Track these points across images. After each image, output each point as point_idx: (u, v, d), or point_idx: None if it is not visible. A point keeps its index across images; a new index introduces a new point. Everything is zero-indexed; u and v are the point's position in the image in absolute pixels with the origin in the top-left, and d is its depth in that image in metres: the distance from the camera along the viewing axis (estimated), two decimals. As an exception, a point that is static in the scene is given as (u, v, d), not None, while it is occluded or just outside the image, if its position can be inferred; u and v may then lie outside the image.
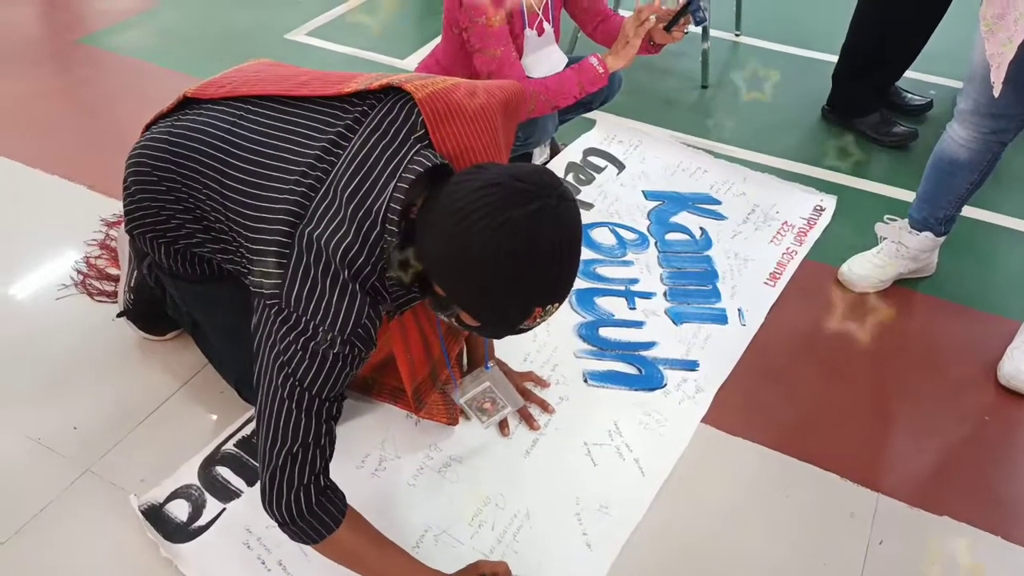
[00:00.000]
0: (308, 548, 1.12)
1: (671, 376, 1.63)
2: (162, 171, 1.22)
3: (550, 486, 1.42)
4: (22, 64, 2.63)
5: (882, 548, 1.35)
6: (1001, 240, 2.04)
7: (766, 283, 1.87)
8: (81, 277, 1.78)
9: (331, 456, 1.09)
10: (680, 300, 1.81)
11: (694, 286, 1.85)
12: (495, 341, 1.54)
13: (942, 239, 1.82)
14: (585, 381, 1.61)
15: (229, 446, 1.44)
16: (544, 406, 1.54)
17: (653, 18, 1.74)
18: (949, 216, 1.77)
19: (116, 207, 1.90)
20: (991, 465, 1.50)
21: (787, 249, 1.97)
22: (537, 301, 0.99)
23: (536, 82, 1.75)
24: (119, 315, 1.62)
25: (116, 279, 1.75)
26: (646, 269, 1.89)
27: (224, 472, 1.40)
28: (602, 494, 1.40)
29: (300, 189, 1.09)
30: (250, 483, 1.38)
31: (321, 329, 1.02)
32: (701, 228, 2.02)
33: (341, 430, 1.40)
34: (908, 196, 2.01)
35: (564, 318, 1.73)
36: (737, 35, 2.95)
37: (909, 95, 2.49)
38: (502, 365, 1.56)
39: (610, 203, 2.09)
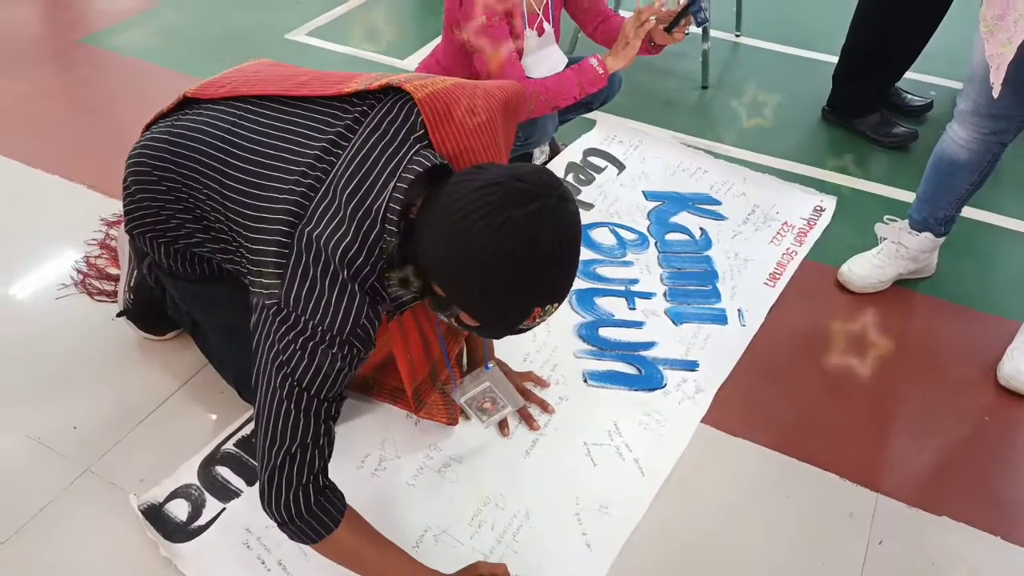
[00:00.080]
0: (307, 548, 1.12)
1: (671, 376, 1.63)
2: (162, 171, 1.22)
3: (550, 486, 1.42)
4: (23, 64, 2.63)
5: (881, 548, 1.35)
6: (1001, 241, 2.05)
7: (766, 283, 1.87)
8: (81, 277, 1.78)
9: (330, 456, 1.09)
10: (680, 300, 1.81)
11: (694, 286, 1.85)
12: (495, 341, 1.54)
13: (942, 240, 1.82)
14: (585, 381, 1.61)
15: (229, 446, 1.44)
16: (544, 406, 1.54)
17: (653, 19, 1.74)
18: (949, 217, 1.77)
19: (116, 207, 1.90)
20: (991, 465, 1.50)
21: (787, 249, 1.97)
22: (537, 301, 0.99)
23: (536, 82, 1.75)
24: (119, 315, 1.62)
25: (116, 279, 1.75)
26: (646, 269, 1.89)
27: (224, 472, 1.40)
28: (602, 494, 1.40)
29: (300, 189, 1.09)
30: (250, 483, 1.38)
31: (320, 329, 1.02)
32: (701, 228, 2.02)
33: (341, 430, 1.40)
34: (908, 197, 2.01)
35: (564, 318, 1.73)
36: (737, 36, 2.95)
37: (909, 96, 2.49)
38: (502, 365, 1.56)
39: (610, 203, 2.09)
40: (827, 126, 2.47)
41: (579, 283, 1.82)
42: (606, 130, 2.34)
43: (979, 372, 1.67)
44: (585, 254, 1.89)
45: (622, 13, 1.91)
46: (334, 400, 1.07)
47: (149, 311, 1.60)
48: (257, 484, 1.08)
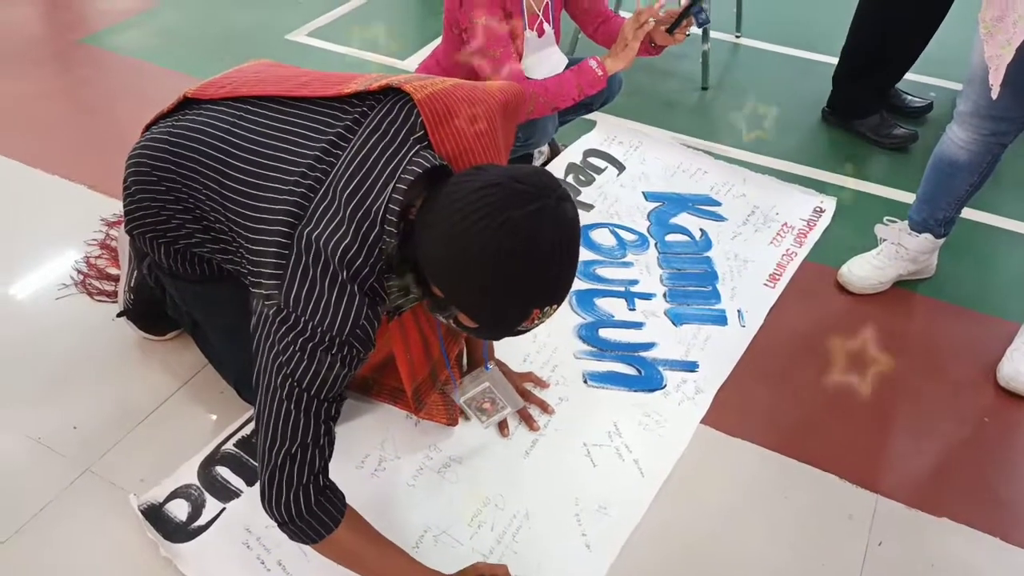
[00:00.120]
0: (307, 548, 1.13)
1: (671, 377, 1.63)
2: (162, 171, 1.22)
3: (549, 487, 1.42)
4: (23, 64, 2.64)
5: (881, 549, 1.35)
6: (1001, 242, 2.05)
7: (766, 284, 1.87)
8: (81, 277, 1.78)
9: (330, 456, 1.09)
10: (680, 301, 1.81)
11: (694, 287, 1.85)
12: (494, 342, 1.54)
13: (942, 241, 1.82)
14: (585, 382, 1.61)
15: (229, 446, 1.44)
16: (544, 407, 1.54)
17: (652, 21, 1.74)
18: (949, 218, 1.78)
19: (116, 207, 1.90)
20: (990, 467, 1.50)
21: (787, 250, 1.97)
22: (536, 302, 0.99)
23: (535, 83, 1.75)
24: (119, 315, 1.62)
25: (116, 279, 1.75)
26: (646, 270, 1.89)
27: (224, 472, 1.40)
28: (601, 495, 1.40)
29: (299, 190, 1.09)
30: (250, 483, 1.38)
31: (319, 330, 1.02)
32: (701, 229, 2.02)
33: (341, 430, 1.40)
34: (908, 198, 2.01)
35: (564, 319, 1.74)
36: (738, 37, 2.95)
37: (909, 97, 2.49)
38: (502, 366, 1.56)
39: (610, 204, 2.09)
40: (827, 127, 2.47)
41: (579, 284, 1.82)
42: (606, 131, 2.35)
43: (979, 373, 1.67)
44: (585, 255, 1.89)
45: (622, 14, 1.91)
46: (334, 400, 1.07)
47: (149, 311, 1.60)
48: (257, 484, 1.08)
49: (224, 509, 1.34)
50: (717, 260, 1.93)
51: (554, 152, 2.26)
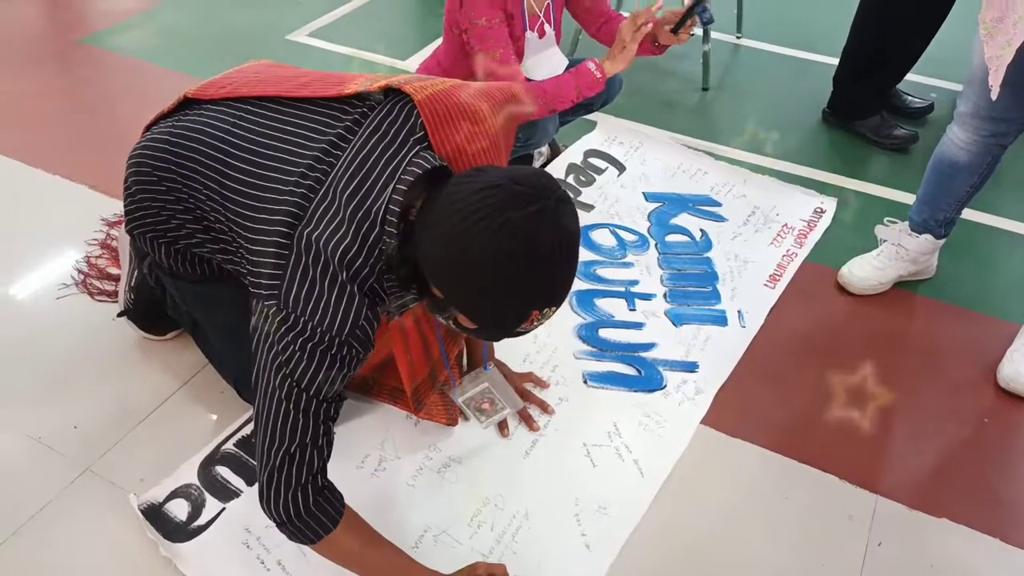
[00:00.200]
0: (307, 548, 1.13)
1: (671, 377, 1.63)
2: (162, 171, 1.23)
3: (549, 487, 1.42)
4: (24, 64, 2.64)
5: (881, 550, 1.35)
6: (1001, 243, 2.05)
7: (766, 285, 1.87)
8: (82, 276, 1.78)
9: (329, 456, 1.09)
10: (680, 302, 1.81)
11: (694, 288, 1.85)
12: (494, 343, 1.54)
13: (942, 241, 1.82)
14: (585, 382, 1.61)
15: (229, 446, 1.44)
16: (544, 407, 1.54)
17: (650, 25, 1.74)
18: (949, 219, 1.78)
19: (117, 207, 1.90)
20: (990, 467, 1.50)
21: (787, 251, 1.97)
22: (535, 304, 0.99)
23: (534, 85, 1.75)
24: (119, 315, 1.63)
25: (117, 279, 1.75)
26: (646, 270, 1.89)
27: (224, 472, 1.40)
28: (601, 495, 1.40)
29: (299, 190, 1.09)
30: (249, 483, 1.38)
31: (319, 330, 1.02)
32: (701, 230, 2.02)
33: (340, 430, 1.41)
34: (908, 199, 2.01)
35: (564, 319, 1.74)
36: (738, 37, 2.95)
37: (910, 98, 2.49)
38: (502, 366, 1.56)
39: (610, 204, 2.09)
40: (827, 128, 2.47)
41: (579, 284, 1.83)
42: (607, 131, 2.35)
43: (979, 374, 1.67)
44: (585, 255, 1.90)
45: (624, 13, 1.91)
46: (333, 401, 1.08)
47: (149, 311, 1.60)
48: (257, 484, 1.08)
49: (224, 509, 1.35)
50: (717, 261, 1.93)
51: (555, 152, 2.26)
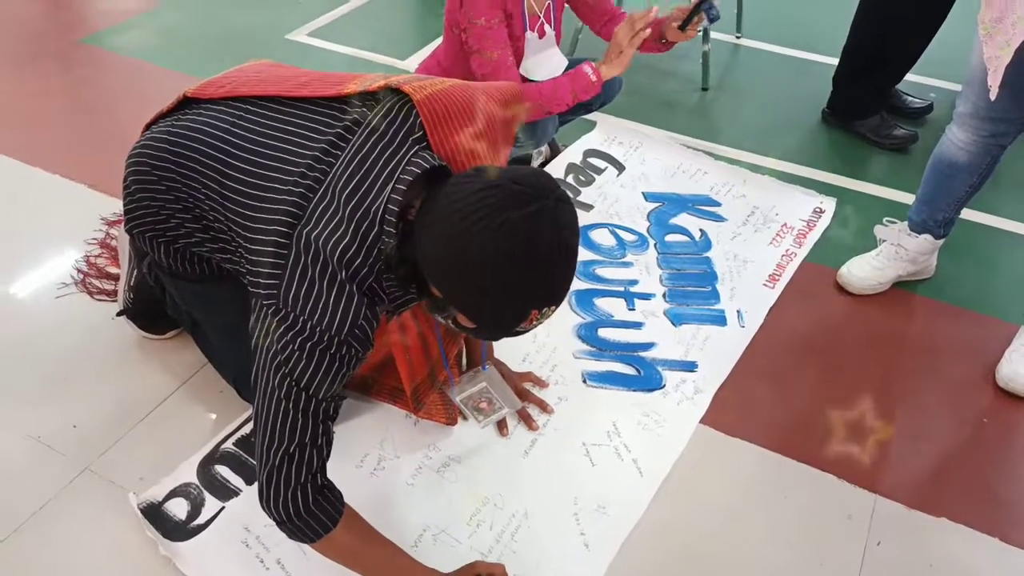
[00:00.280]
0: (306, 547, 1.13)
1: (670, 377, 1.63)
2: (162, 170, 1.23)
3: (548, 486, 1.42)
4: (24, 63, 2.64)
5: (880, 549, 1.35)
6: (1000, 243, 2.05)
7: (765, 285, 1.87)
8: (81, 276, 1.78)
9: (328, 455, 1.09)
10: (679, 301, 1.82)
11: (693, 287, 1.85)
12: (493, 342, 1.54)
13: (941, 241, 1.82)
14: (584, 382, 1.61)
15: (228, 445, 1.44)
16: (543, 406, 1.55)
17: (648, 31, 1.73)
18: (948, 219, 1.78)
19: (116, 206, 1.90)
20: (989, 467, 1.50)
21: (786, 251, 1.97)
22: (534, 303, 0.99)
23: (529, 87, 1.75)
24: (119, 314, 1.63)
25: (116, 278, 1.76)
26: (645, 270, 1.89)
27: (223, 471, 1.40)
28: (600, 494, 1.40)
29: (299, 190, 1.09)
30: (249, 482, 1.38)
31: (318, 329, 1.02)
32: (701, 230, 2.02)
33: (340, 429, 1.41)
34: (907, 199, 2.01)
35: (563, 319, 1.74)
36: (738, 37, 2.95)
37: (909, 98, 2.49)
38: (501, 365, 1.56)
39: (610, 204, 2.09)
40: (827, 128, 2.47)
41: (578, 284, 1.83)
42: (606, 131, 2.35)
43: (978, 374, 1.67)
44: (585, 255, 1.90)
45: (625, 11, 1.90)
46: (332, 400, 1.08)
47: (149, 310, 1.60)
48: (256, 483, 1.08)
49: (223, 508, 1.35)
50: (717, 260, 1.93)
51: (554, 152, 2.26)
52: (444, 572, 1.17)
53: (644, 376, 1.63)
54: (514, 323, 1.02)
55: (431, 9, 3.07)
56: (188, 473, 1.39)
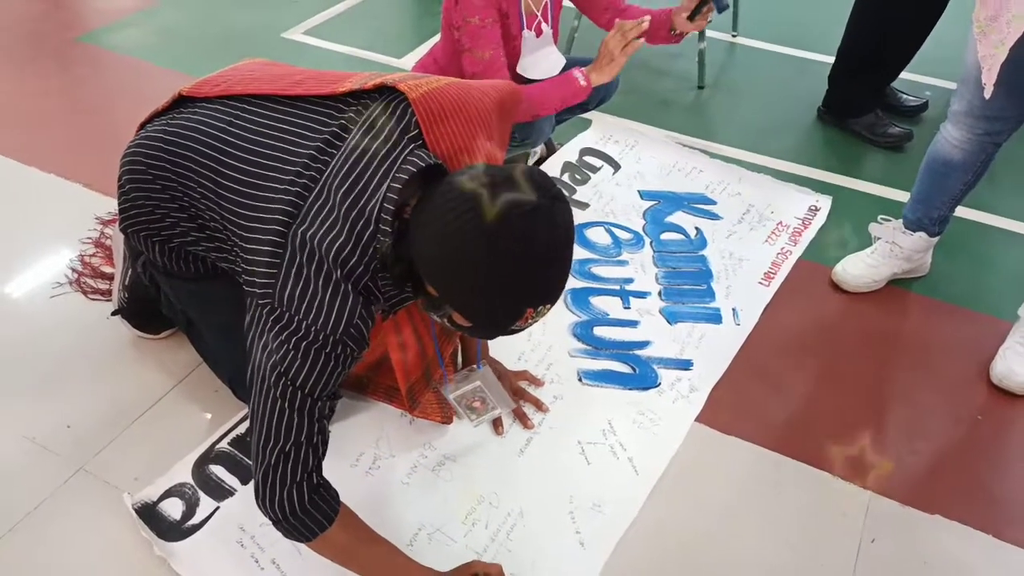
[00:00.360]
0: (302, 546, 1.13)
1: (665, 375, 1.63)
2: (157, 169, 1.22)
3: (544, 485, 1.42)
4: (20, 61, 2.63)
5: (874, 546, 1.35)
6: (995, 241, 2.05)
7: (760, 283, 1.87)
8: (76, 275, 1.78)
9: (324, 454, 1.09)
10: (675, 299, 1.82)
11: (689, 286, 1.86)
12: (489, 341, 1.54)
13: (936, 239, 1.83)
14: (579, 380, 1.61)
15: (223, 444, 1.44)
16: (538, 405, 1.55)
17: (642, 41, 1.73)
18: (943, 216, 1.78)
19: (112, 205, 1.89)
20: (983, 464, 1.51)
21: (782, 249, 1.97)
22: (529, 302, 0.99)
23: (520, 90, 1.74)
24: (113, 313, 1.62)
25: (111, 277, 1.75)
26: (641, 269, 1.90)
27: (218, 471, 1.40)
28: (596, 493, 1.41)
29: (294, 189, 1.09)
30: (244, 481, 1.38)
31: (313, 329, 1.02)
32: (696, 228, 2.02)
33: (335, 428, 1.41)
34: (902, 196, 2.01)
35: (559, 317, 1.74)
36: (734, 36, 2.95)
37: (904, 96, 2.49)
38: (497, 364, 1.56)
39: (606, 203, 2.09)
40: (822, 126, 2.47)
41: (574, 282, 1.83)
42: (602, 130, 2.35)
43: (972, 371, 1.67)
44: (580, 253, 1.90)
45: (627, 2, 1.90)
46: (328, 399, 1.08)
47: (144, 310, 1.60)
48: (251, 483, 1.08)
49: (218, 508, 1.34)
50: (712, 258, 1.93)
51: (550, 151, 2.26)
52: (440, 571, 1.17)
53: (639, 374, 1.63)
54: (509, 322, 1.02)
55: (427, 8, 3.07)
56: (183, 473, 1.39)
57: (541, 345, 1.68)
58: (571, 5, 2.03)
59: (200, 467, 1.40)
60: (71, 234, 1.88)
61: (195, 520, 1.32)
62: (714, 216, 2.07)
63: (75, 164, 2.11)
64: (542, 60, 1.88)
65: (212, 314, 1.42)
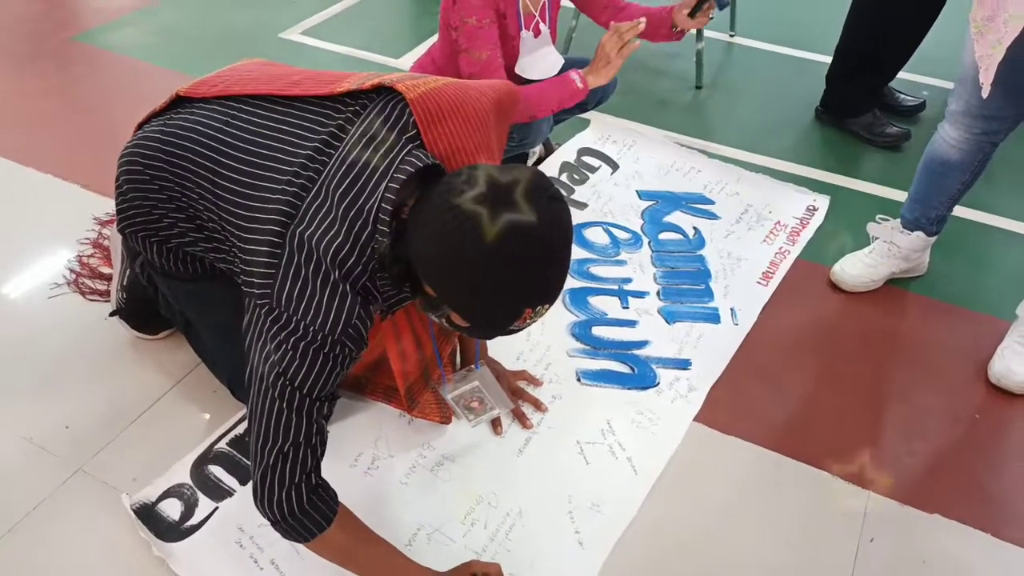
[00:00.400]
0: (300, 546, 1.12)
1: (664, 375, 1.63)
2: (154, 170, 1.22)
3: (543, 484, 1.42)
4: (17, 61, 2.63)
5: (873, 546, 1.35)
6: (992, 240, 2.05)
7: (759, 282, 1.87)
8: (74, 276, 1.78)
9: (322, 455, 1.09)
10: (673, 299, 1.82)
11: (687, 285, 1.86)
12: (487, 341, 1.54)
13: (933, 239, 1.83)
14: (578, 380, 1.61)
15: (222, 445, 1.44)
16: (537, 405, 1.55)
17: (638, 43, 1.73)
18: (940, 216, 1.78)
19: (109, 206, 1.89)
20: (982, 463, 1.51)
21: (780, 249, 1.98)
22: (527, 302, 0.99)
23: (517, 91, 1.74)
24: (112, 314, 1.62)
25: (109, 278, 1.75)
26: (639, 268, 1.90)
27: (217, 471, 1.40)
28: (594, 492, 1.41)
29: (292, 189, 1.09)
30: (243, 482, 1.38)
31: (312, 329, 1.02)
32: (694, 228, 2.03)
33: (334, 429, 1.41)
34: (900, 196, 2.01)
35: (557, 317, 1.74)
36: (732, 36, 2.95)
37: (902, 96, 2.50)
38: (495, 364, 1.56)
39: (604, 203, 2.09)
40: (820, 126, 2.48)
41: (572, 282, 1.83)
42: (600, 130, 2.35)
43: (970, 371, 1.68)
44: (579, 253, 1.90)
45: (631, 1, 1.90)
46: (327, 399, 1.08)
47: (142, 310, 1.60)
48: (250, 483, 1.08)
49: (217, 508, 1.34)
50: (710, 258, 1.93)
51: (548, 151, 2.26)
52: (439, 571, 1.17)
53: (638, 374, 1.63)
54: (507, 322, 1.02)
55: (425, 8, 3.07)
56: (181, 473, 1.39)
57: (540, 345, 1.68)
58: (569, 4, 2.03)
59: (199, 467, 1.40)
60: (69, 235, 1.88)
61: (194, 520, 1.32)
62: (712, 216, 2.07)
63: (73, 164, 2.11)
64: (540, 60, 1.88)
65: (210, 314, 1.42)
